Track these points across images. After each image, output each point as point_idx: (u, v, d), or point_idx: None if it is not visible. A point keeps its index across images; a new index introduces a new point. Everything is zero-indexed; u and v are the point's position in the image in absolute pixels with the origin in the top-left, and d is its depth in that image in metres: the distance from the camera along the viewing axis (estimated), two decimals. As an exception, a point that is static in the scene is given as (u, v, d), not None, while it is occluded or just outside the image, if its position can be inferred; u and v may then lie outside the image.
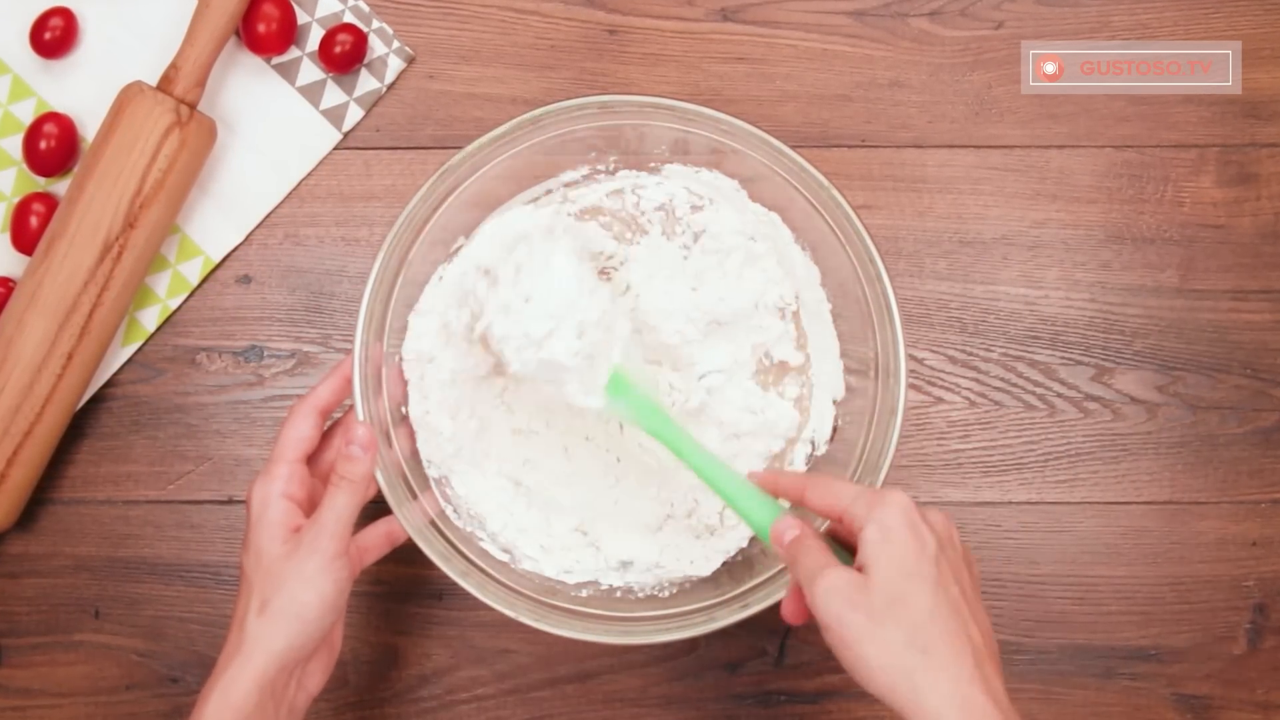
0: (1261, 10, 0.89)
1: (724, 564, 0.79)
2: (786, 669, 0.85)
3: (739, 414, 0.80)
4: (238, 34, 0.87)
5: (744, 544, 0.79)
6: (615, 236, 0.82)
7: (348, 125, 0.87)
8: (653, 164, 0.81)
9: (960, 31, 0.89)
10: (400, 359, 0.78)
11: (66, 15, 0.86)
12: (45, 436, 0.82)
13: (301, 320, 0.87)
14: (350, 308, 0.87)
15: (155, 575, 0.86)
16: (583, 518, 0.79)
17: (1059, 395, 0.87)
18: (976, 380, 0.87)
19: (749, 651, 0.85)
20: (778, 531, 0.66)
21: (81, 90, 0.87)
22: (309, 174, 0.87)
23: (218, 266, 0.87)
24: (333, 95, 0.87)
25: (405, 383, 0.78)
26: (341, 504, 0.69)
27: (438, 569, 0.72)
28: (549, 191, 0.82)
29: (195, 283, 0.87)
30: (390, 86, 0.88)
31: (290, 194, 0.87)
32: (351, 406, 0.73)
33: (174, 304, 0.87)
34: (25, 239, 0.85)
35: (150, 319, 0.86)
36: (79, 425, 0.86)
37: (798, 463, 0.81)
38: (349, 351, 0.74)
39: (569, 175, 0.81)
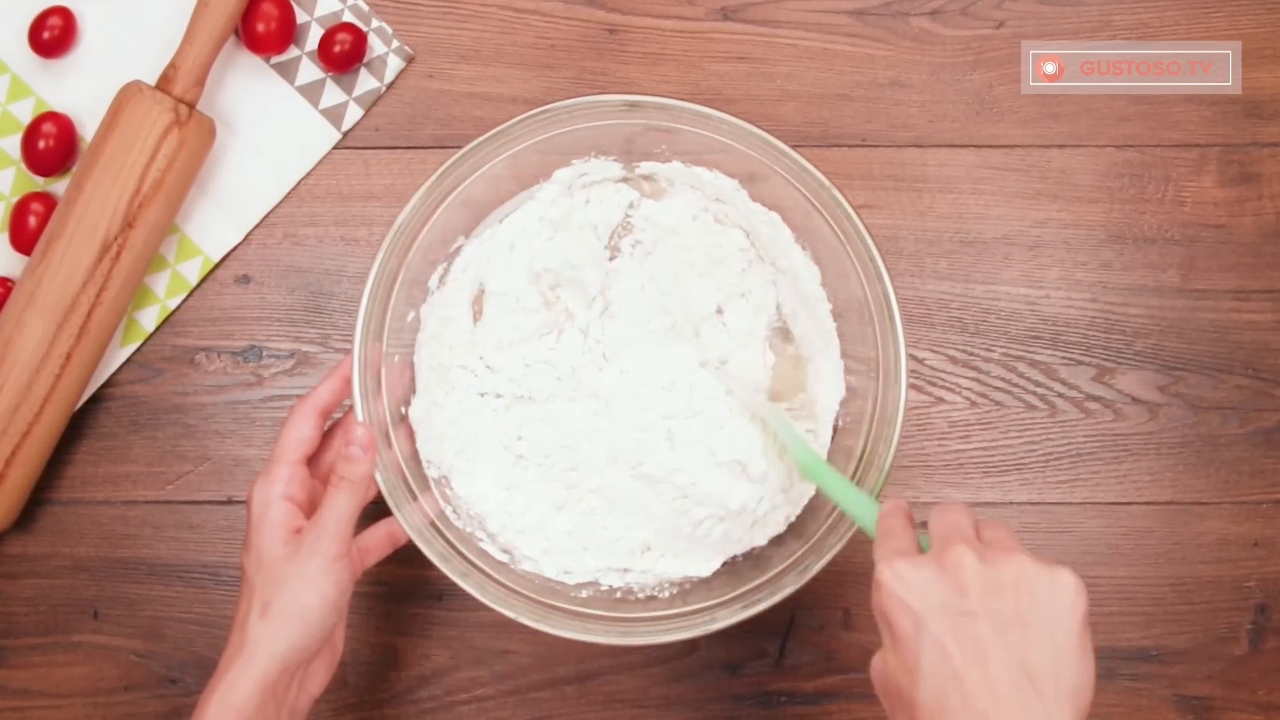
0: (1263, 9, 0.89)
1: (724, 565, 0.79)
2: (787, 670, 0.85)
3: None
4: (237, 33, 0.86)
5: (744, 547, 0.79)
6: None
7: (347, 125, 0.87)
8: (652, 162, 0.81)
9: (961, 31, 0.89)
10: (398, 359, 0.77)
11: (65, 14, 0.86)
12: (44, 436, 0.82)
13: (300, 320, 0.87)
14: (349, 307, 0.87)
15: (154, 576, 0.85)
16: (581, 522, 0.79)
17: (1060, 395, 0.86)
18: (977, 380, 0.87)
19: (749, 652, 0.85)
20: (883, 512, 0.65)
21: (80, 90, 0.87)
22: (308, 174, 0.87)
23: (217, 266, 0.87)
24: (332, 95, 0.87)
25: (405, 382, 0.78)
26: (342, 505, 0.69)
27: (437, 569, 0.72)
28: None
29: (194, 282, 0.87)
30: (390, 86, 0.88)
31: (289, 194, 0.87)
32: (351, 407, 0.73)
33: (173, 304, 0.86)
34: (24, 239, 0.84)
35: (149, 319, 0.86)
36: (77, 425, 0.86)
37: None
38: (348, 351, 0.74)
39: (565, 173, 0.81)
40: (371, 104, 0.87)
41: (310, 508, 0.71)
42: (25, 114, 0.87)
